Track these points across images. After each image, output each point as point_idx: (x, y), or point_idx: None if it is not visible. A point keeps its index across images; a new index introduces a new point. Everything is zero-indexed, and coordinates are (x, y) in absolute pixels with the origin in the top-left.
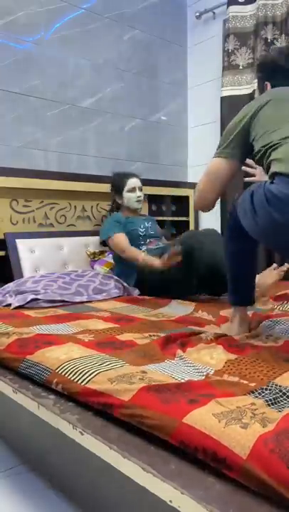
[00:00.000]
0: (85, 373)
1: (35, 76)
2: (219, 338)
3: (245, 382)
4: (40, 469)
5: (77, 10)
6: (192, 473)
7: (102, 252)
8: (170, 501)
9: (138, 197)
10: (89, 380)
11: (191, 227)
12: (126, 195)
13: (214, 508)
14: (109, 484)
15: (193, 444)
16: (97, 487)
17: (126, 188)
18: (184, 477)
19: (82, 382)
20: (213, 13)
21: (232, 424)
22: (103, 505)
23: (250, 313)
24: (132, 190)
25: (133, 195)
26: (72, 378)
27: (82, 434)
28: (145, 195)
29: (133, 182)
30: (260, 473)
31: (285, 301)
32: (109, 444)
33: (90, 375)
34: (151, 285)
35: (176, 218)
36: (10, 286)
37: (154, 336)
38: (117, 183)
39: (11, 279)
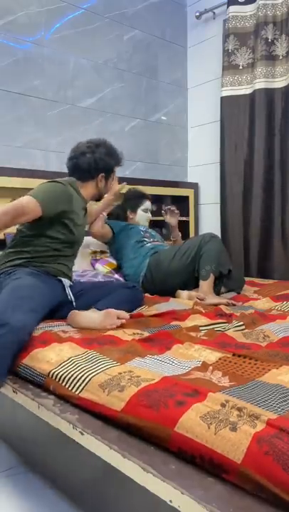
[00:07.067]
0: (78, 380)
1: (35, 76)
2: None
3: (227, 379)
4: (40, 469)
5: (77, 10)
6: (192, 473)
7: (103, 252)
8: (170, 501)
9: (148, 217)
10: (82, 389)
11: (191, 227)
12: (140, 212)
13: (214, 508)
14: (109, 484)
15: (190, 451)
16: (97, 487)
17: (142, 207)
18: (183, 477)
19: (76, 390)
20: (213, 13)
21: (221, 429)
22: (103, 505)
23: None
24: (146, 210)
25: (146, 214)
26: (66, 386)
27: (82, 434)
28: None
29: (148, 204)
30: (256, 476)
31: (285, 301)
32: (109, 444)
33: (82, 382)
34: (158, 285)
35: None
36: None
37: (137, 334)
38: (135, 199)
39: None
